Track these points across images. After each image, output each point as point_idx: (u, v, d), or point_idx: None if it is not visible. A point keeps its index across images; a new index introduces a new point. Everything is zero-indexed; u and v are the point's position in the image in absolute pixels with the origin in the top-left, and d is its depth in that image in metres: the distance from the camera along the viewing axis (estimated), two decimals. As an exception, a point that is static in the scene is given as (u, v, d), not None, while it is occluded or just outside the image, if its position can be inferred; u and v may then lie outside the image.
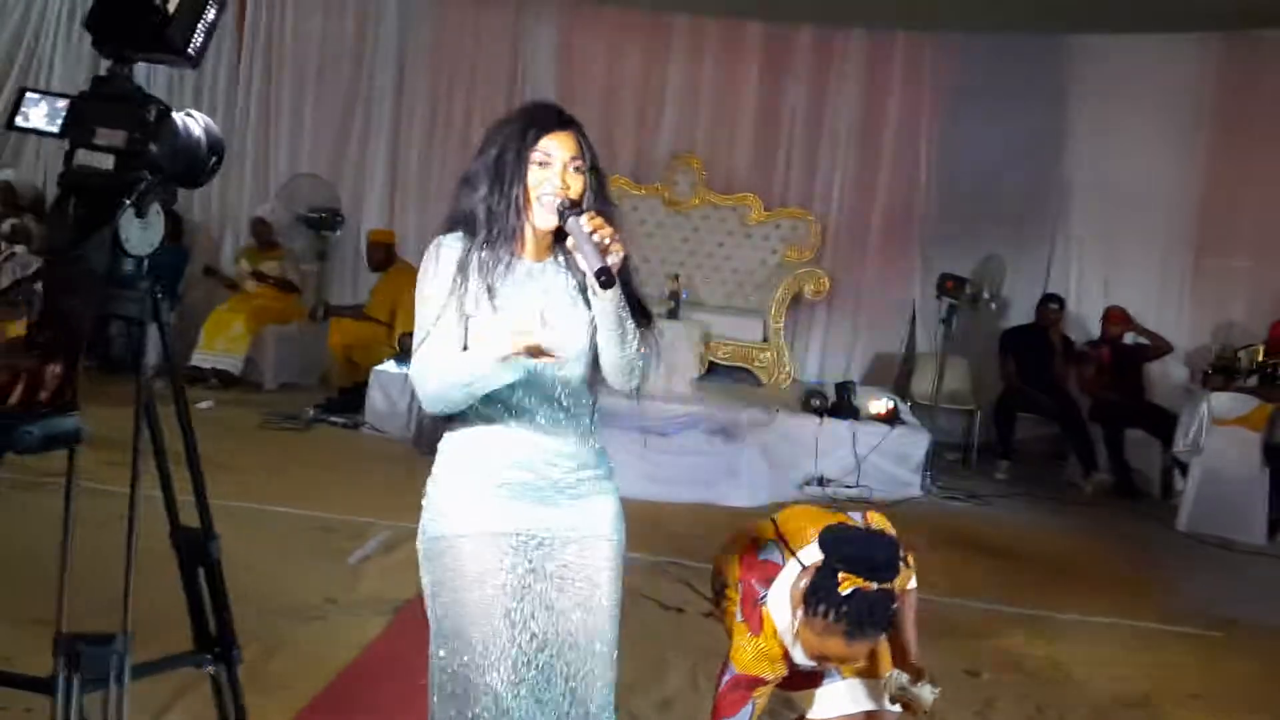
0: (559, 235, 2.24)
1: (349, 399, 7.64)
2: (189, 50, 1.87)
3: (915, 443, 7.23)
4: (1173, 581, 5.84)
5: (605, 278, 2.08)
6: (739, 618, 2.74)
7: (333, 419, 7.42)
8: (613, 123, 9.21)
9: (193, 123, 2.00)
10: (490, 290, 2.19)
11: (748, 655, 2.72)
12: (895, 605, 2.58)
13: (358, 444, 6.89)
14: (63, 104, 1.94)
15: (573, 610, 2.27)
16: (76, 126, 1.94)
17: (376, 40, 9.40)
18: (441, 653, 2.24)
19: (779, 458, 6.94)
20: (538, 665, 2.23)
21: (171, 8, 1.83)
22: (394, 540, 4.94)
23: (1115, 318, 8.11)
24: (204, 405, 7.54)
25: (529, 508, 2.25)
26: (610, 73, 9.36)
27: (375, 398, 7.33)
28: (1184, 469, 7.19)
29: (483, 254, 2.20)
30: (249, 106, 9.50)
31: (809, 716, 2.95)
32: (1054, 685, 4.22)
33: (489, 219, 2.20)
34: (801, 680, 2.91)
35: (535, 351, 2.04)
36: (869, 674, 2.89)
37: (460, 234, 2.23)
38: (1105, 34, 8.54)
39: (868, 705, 2.89)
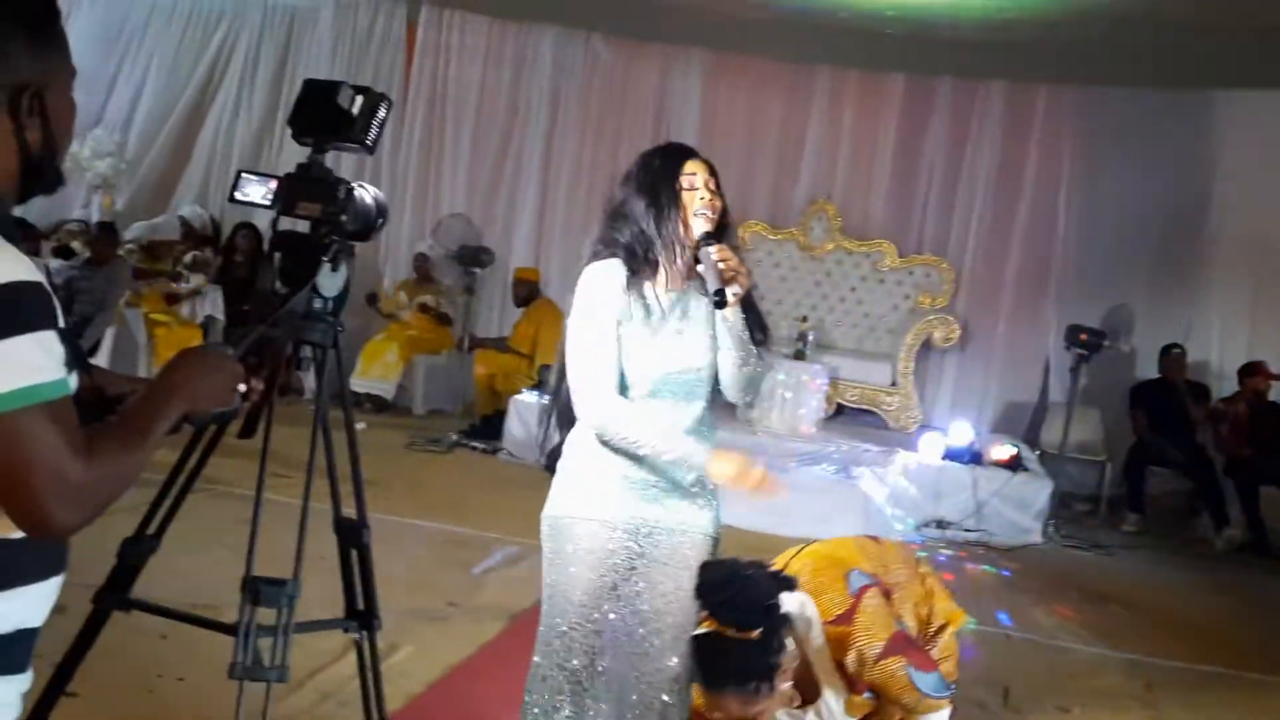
0: (696, 261, 2.54)
1: (489, 426, 8.08)
2: (367, 142, 2.33)
3: (1037, 490, 7.33)
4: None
5: (719, 299, 2.43)
6: None
7: (473, 444, 7.87)
8: (752, 168, 9.53)
9: (365, 193, 2.46)
10: (647, 309, 2.52)
11: None
12: (776, 661, 2.29)
13: (494, 467, 7.32)
14: (273, 183, 2.44)
15: (672, 592, 2.58)
16: (283, 200, 2.43)
17: (530, 89, 9.93)
18: (553, 617, 2.58)
19: (898, 498, 7.12)
20: (637, 636, 2.56)
21: (355, 110, 2.30)
22: (517, 555, 5.35)
23: (1259, 373, 8.01)
24: (359, 427, 8.09)
25: (642, 501, 2.58)
26: (752, 120, 9.68)
27: (513, 425, 7.72)
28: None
29: (643, 274, 2.53)
30: (412, 149, 10.12)
31: None
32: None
33: (647, 240, 2.53)
34: None
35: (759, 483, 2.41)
36: None
37: (618, 259, 2.56)
38: (1254, 89, 8.50)
39: None
